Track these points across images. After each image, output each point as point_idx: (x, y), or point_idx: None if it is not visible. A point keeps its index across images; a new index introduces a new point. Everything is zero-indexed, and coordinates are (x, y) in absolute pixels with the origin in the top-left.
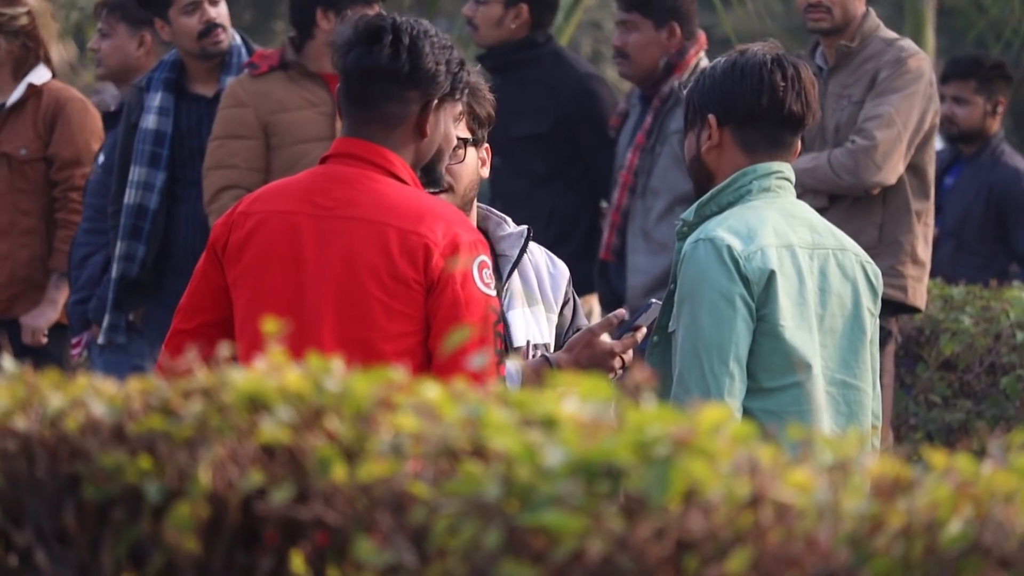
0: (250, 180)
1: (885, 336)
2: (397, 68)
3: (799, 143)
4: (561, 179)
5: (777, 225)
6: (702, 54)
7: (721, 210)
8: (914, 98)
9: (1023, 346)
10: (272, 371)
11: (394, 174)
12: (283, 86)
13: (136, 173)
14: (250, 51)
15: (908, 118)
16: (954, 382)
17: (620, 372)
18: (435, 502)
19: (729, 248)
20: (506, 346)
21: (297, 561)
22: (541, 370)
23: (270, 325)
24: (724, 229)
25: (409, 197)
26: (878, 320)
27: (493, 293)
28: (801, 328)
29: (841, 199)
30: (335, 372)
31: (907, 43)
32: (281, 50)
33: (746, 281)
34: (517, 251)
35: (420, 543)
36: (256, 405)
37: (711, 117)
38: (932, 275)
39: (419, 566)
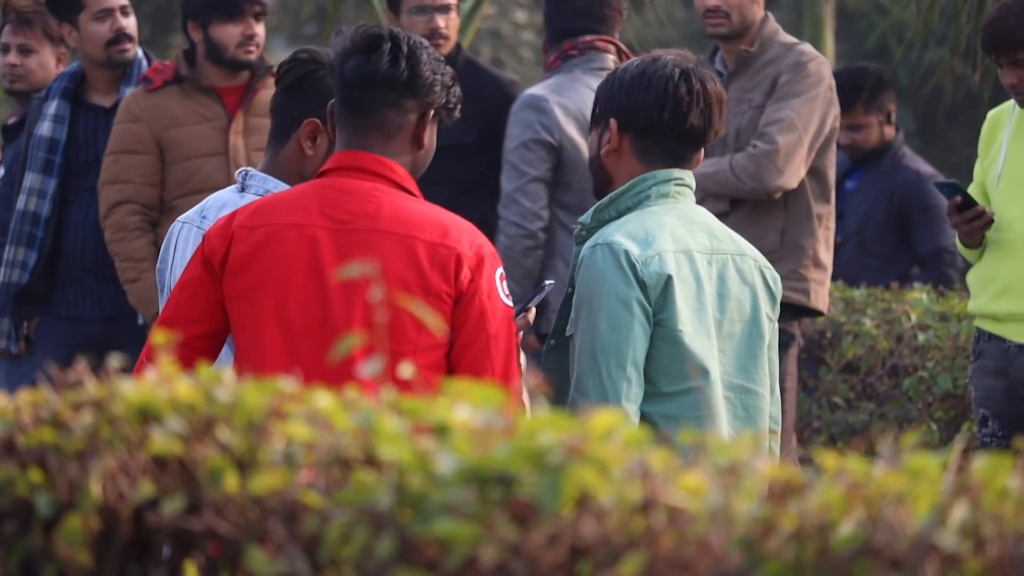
0: (144, 195)
1: (788, 339)
2: (396, 75)
3: (700, 156)
4: (484, 187)
5: (675, 230)
6: (575, 60)
7: (620, 215)
8: (815, 102)
9: (924, 348)
10: (162, 382)
11: (402, 186)
12: (177, 100)
13: (29, 180)
14: (150, 65)
15: (809, 122)
16: (856, 384)
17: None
18: (327, 511)
19: (626, 252)
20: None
21: (191, 572)
22: None
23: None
24: (622, 234)
25: (426, 210)
26: (776, 325)
27: (511, 304)
28: (699, 333)
29: (742, 203)
30: (226, 382)
31: (806, 47)
32: (175, 64)
33: (643, 285)
34: None
35: (313, 552)
36: (147, 416)
37: (612, 121)
38: (834, 278)
39: (312, 575)
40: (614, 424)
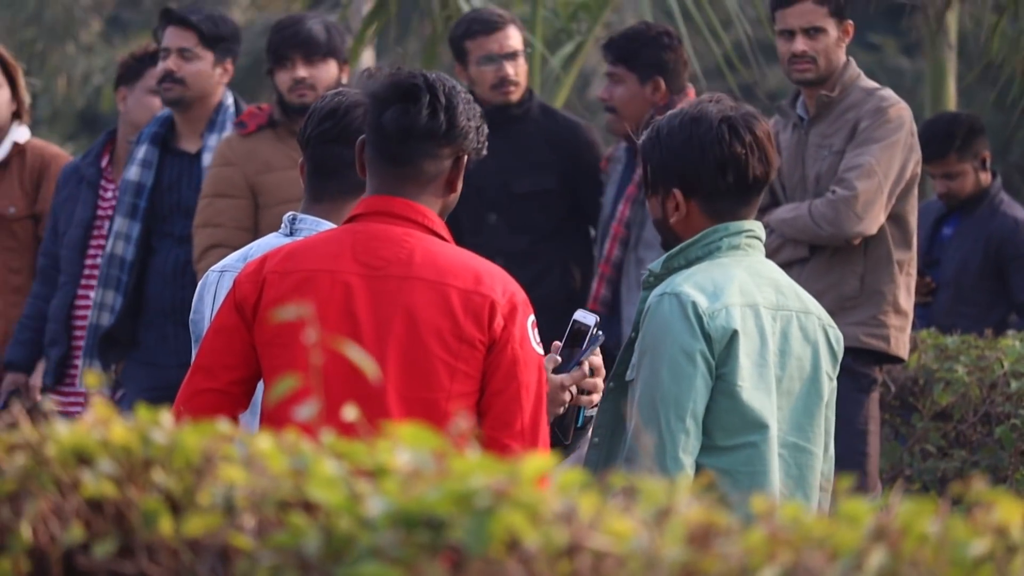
0: (237, 239)
1: (869, 384)
2: (436, 127)
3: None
4: (566, 231)
5: (743, 284)
6: None
7: (689, 264)
8: (895, 148)
9: (1017, 395)
10: (97, 424)
11: (435, 232)
12: (270, 145)
13: (117, 223)
14: (239, 111)
15: (889, 168)
16: (949, 432)
17: (568, 405)
18: (257, 554)
19: (694, 304)
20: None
21: None
22: None
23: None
24: (690, 285)
25: (459, 256)
26: (835, 383)
27: (542, 352)
28: (759, 389)
29: (822, 249)
30: (163, 425)
31: (887, 92)
32: (269, 108)
33: (708, 339)
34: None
35: None
36: (81, 459)
37: (676, 192)
38: (928, 325)
39: None
40: (546, 467)
